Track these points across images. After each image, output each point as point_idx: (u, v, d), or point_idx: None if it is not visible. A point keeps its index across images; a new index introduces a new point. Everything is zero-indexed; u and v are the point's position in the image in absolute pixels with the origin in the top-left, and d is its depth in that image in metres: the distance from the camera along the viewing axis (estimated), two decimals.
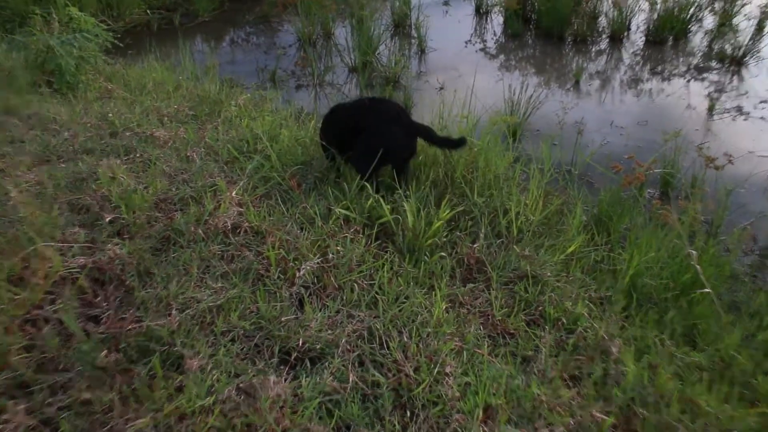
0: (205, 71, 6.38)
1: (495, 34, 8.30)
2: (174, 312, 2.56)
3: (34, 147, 3.92)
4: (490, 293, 2.98)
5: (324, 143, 3.75)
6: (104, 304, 2.63)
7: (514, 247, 3.29)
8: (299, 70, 7.01)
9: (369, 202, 3.32)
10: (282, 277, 2.83)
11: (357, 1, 7.96)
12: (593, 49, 7.74)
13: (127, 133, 4.22)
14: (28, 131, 4.18)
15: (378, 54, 7.18)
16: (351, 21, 7.74)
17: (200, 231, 3.02)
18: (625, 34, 7.97)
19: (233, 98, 5.25)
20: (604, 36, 8.03)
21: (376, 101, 3.64)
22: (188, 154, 3.89)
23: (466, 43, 8.00)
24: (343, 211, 3.28)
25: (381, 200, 3.31)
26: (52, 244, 2.85)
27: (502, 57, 7.56)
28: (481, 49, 7.78)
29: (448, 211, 3.30)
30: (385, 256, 3.06)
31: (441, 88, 6.50)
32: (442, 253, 3.16)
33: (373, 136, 3.48)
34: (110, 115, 4.52)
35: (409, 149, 3.60)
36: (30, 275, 2.63)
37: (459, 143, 3.56)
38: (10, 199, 3.25)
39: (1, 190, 3.32)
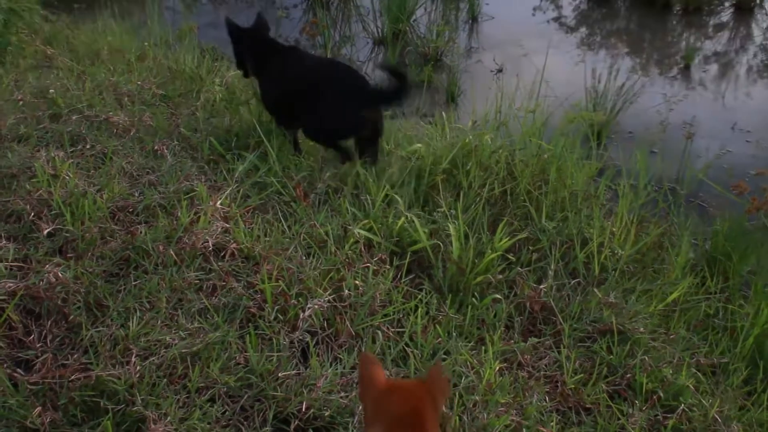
0: (178, 36, 6.52)
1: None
2: (134, 359, 2.63)
3: None
4: (559, 352, 3.03)
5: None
6: (39, 345, 2.71)
7: (595, 290, 3.34)
8: (306, 40, 7.16)
9: (399, 222, 3.40)
10: (280, 318, 2.90)
11: None
12: (711, 23, 7.81)
13: (74, 117, 4.33)
14: None
15: (414, 21, 7.31)
16: None
17: (171, 252, 3.11)
18: (757, 1, 8.01)
19: (217, 74, 5.37)
20: (726, 4, 8.07)
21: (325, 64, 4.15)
22: (156, 147, 4.00)
23: (534, 9, 8.14)
24: (365, 233, 3.36)
25: (416, 220, 3.39)
26: None
27: (583, 30, 7.66)
28: (555, 19, 7.89)
29: (506, 239, 3.37)
30: (420, 296, 3.13)
31: (499, 71, 6.61)
32: (497, 295, 3.23)
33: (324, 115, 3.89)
34: (51, 90, 4.65)
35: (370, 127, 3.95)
36: None
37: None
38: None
39: None
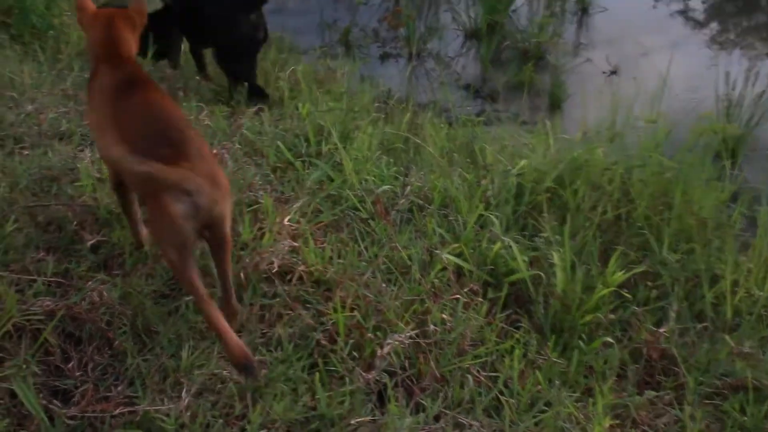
0: None
1: None
2: (185, 394, 2.68)
3: None
4: (682, 410, 2.99)
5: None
6: (79, 374, 2.77)
7: (726, 338, 3.29)
8: (387, 31, 7.23)
9: (495, 248, 3.41)
10: (355, 354, 2.92)
11: None
12: None
13: None
14: None
15: (513, 12, 7.31)
16: None
17: (233, 271, 3.15)
18: None
19: (284, 68, 5.45)
20: None
21: None
22: (215, 151, 4.07)
23: (655, 0, 8.05)
24: (454, 259, 3.37)
25: (514, 246, 3.39)
26: (4, 274, 3.05)
27: (714, 26, 7.56)
28: (680, 12, 7.80)
29: (620, 272, 3.34)
30: (517, 336, 3.12)
31: (613, 73, 6.57)
32: (608, 338, 3.20)
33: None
34: None
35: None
36: None
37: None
38: None
39: None
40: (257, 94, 5.12)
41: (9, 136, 4.11)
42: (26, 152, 3.99)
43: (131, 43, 3.17)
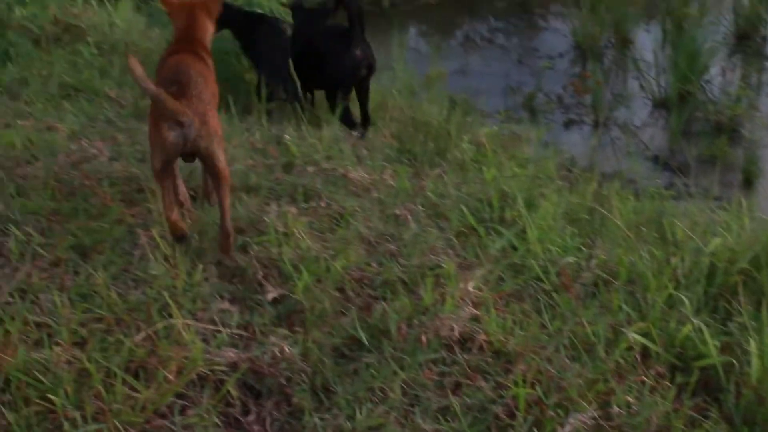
0: (424, 83, 6.78)
1: None
2: None
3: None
4: None
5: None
6: (257, 428, 2.84)
7: None
8: (572, 97, 7.21)
9: (684, 330, 3.29)
10: (534, 431, 2.87)
11: None
12: None
13: (309, 168, 4.60)
14: None
15: (706, 82, 7.15)
16: (664, 23, 7.83)
17: (410, 335, 3.18)
18: None
19: (467, 131, 5.50)
20: None
21: None
22: (398, 212, 4.15)
23: None
24: (640, 338, 3.27)
25: (704, 329, 3.26)
26: (191, 323, 3.18)
27: None
28: None
29: None
30: (706, 426, 2.99)
31: None
32: None
33: None
34: (286, 137, 4.96)
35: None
36: (157, 365, 2.94)
37: None
38: (138, 246, 3.70)
39: (131, 237, 3.79)
40: (348, 123, 5.69)
41: (199, 186, 4.30)
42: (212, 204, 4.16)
43: (206, 26, 4.07)
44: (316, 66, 5.84)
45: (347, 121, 5.65)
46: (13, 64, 6.15)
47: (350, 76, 5.70)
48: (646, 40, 8.05)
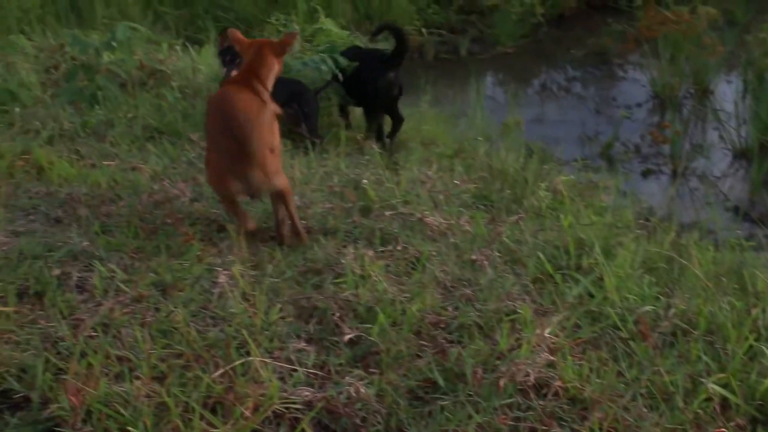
0: (501, 130, 6.82)
1: None
2: None
3: (250, 211, 4.56)
4: None
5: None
6: None
7: None
8: (650, 147, 7.17)
9: (767, 382, 3.24)
10: None
11: (760, 41, 7.98)
12: None
13: (387, 212, 4.66)
14: None
15: None
16: (744, 74, 7.77)
17: (486, 379, 3.19)
18: None
19: (544, 178, 5.52)
20: None
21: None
22: (474, 257, 4.17)
23: None
24: (720, 389, 3.24)
25: None
26: (268, 361, 3.23)
27: None
28: None
29: None
30: None
31: None
32: None
33: None
34: (364, 182, 5.04)
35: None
36: (234, 401, 2.99)
37: None
38: (217, 284, 3.78)
39: (210, 275, 3.88)
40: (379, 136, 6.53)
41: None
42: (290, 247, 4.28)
43: (272, 65, 4.27)
44: (360, 86, 6.56)
45: (379, 134, 6.48)
46: (101, 107, 6.36)
47: (383, 95, 6.43)
48: (727, 91, 8.00)
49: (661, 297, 3.94)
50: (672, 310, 3.76)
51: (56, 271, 3.79)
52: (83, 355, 3.15)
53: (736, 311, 3.79)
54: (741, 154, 6.98)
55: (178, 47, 7.50)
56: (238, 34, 4.39)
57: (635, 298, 3.86)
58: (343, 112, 6.95)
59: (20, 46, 7.17)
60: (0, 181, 4.82)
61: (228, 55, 5.82)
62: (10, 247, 3.99)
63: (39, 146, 5.39)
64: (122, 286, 3.72)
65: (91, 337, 3.33)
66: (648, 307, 3.77)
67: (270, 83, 4.27)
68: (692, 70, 8.08)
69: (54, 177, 4.98)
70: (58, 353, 3.21)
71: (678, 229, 4.99)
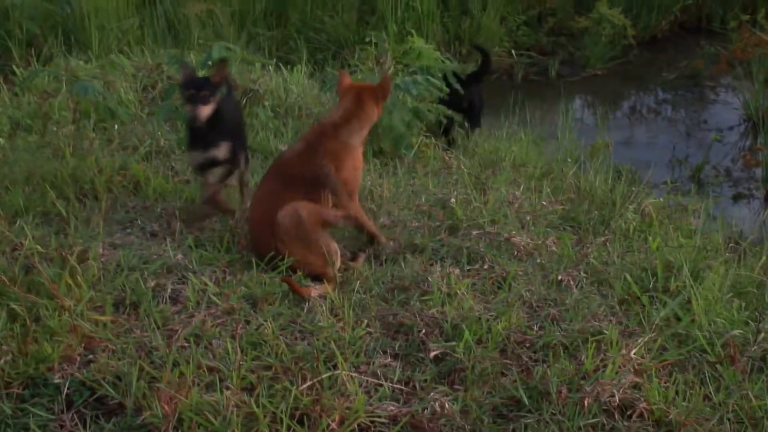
0: (589, 153, 6.81)
1: None
2: None
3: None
4: None
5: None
6: None
7: None
8: (741, 170, 7.08)
9: None
10: None
11: None
12: None
13: (474, 232, 4.70)
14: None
15: None
16: None
17: (571, 399, 3.21)
18: None
19: (632, 200, 5.50)
20: None
21: None
22: (561, 277, 4.20)
23: None
24: None
25: None
26: (355, 375, 3.30)
27: None
28: None
29: None
30: None
31: None
32: None
33: None
34: (452, 200, 5.09)
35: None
36: (320, 413, 3.06)
37: None
38: (307, 299, 3.87)
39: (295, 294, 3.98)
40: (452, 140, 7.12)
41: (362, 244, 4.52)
42: (380, 263, 4.38)
43: (372, 111, 4.39)
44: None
45: (451, 139, 7.06)
46: None
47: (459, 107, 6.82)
48: None
49: (750, 321, 3.89)
50: (762, 335, 3.72)
51: (151, 283, 3.91)
52: (176, 364, 3.26)
53: None
54: None
55: (270, 67, 7.64)
56: (347, 76, 4.58)
57: (723, 321, 3.83)
58: (447, 131, 7.13)
59: (120, 66, 7.36)
60: (100, 195, 4.99)
61: (192, 88, 4.56)
62: (108, 258, 4.12)
63: (136, 162, 5.54)
64: (214, 298, 3.83)
65: (183, 347, 3.45)
66: (737, 331, 3.74)
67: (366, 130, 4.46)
68: None
69: (150, 192, 5.13)
70: (152, 362, 3.33)
71: None
